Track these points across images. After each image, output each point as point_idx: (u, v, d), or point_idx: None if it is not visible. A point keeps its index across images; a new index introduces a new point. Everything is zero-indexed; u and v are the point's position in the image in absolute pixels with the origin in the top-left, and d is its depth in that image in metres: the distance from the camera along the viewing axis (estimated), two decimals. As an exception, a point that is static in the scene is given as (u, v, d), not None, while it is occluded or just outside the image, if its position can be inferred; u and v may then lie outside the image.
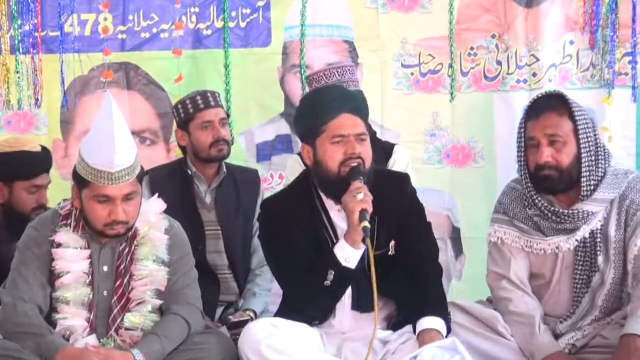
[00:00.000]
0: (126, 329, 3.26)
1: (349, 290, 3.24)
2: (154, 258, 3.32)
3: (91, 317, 3.25)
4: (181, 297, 3.35)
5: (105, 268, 3.30)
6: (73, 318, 3.23)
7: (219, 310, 4.10)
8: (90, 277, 3.27)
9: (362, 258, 3.20)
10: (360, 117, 3.27)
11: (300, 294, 3.26)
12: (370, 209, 3.11)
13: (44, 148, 4.07)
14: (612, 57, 4.83)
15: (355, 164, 3.18)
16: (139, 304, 3.29)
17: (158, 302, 3.31)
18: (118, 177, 3.15)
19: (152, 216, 3.37)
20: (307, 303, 3.23)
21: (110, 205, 3.20)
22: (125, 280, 3.29)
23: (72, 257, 3.25)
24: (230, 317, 3.93)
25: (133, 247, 3.32)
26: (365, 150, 3.23)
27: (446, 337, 3.15)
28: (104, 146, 3.14)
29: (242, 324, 3.72)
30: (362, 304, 3.24)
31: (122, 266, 3.30)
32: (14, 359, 3.08)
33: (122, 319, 3.26)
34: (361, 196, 3.10)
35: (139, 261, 3.30)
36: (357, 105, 3.31)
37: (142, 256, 3.31)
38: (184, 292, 3.36)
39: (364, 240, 3.10)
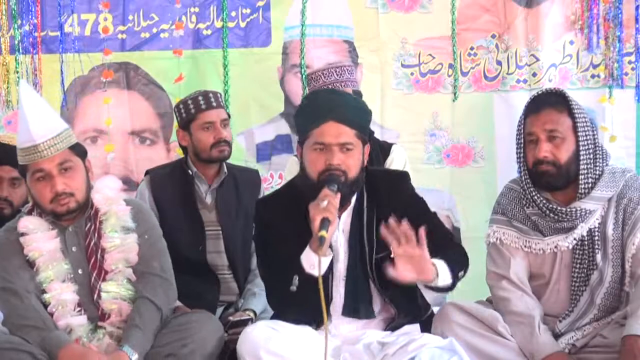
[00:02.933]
0: (103, 292, 3.30)
1: (341, 295, 3.24)
2: (121, 227, 3.37)
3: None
4: (149, 272, 3.37)
5: (74, 249, 3.36)
6: (63, 293, 3.28)
7: (219, 311, 4.09)
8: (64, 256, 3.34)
9: (357, 264, 3.21)
10: (349, 126, 3.16)
11: (273, 296, 3.31)
12: (332, 218, 3.03)
13: None
14: (620, 57, 4.84)
15: (333, 173, 3.12)
16: (114, 273, 3.34)
17: (131, 273, 3.35)
18: (44, 147, 3.24)
19: (109, 192, 3.43)
20: (280, 306, 3.26)
21: (50, 180, 3.27)
22: (99, 256, 3.34)
23: (41, 239, 3.32)
24: (230, 317, 3.93)
25: (98, 223, 3.37)
26: (349, 161, 3.16)
27: (452, 285, 3.15)
28: (21, 123, 3.28)
29: (242, 323, 3.72)
30: (353, 310, 3.24)
31: (92, 243, 3.35)
32: (19, 351, 3.11)
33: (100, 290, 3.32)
34: (324, 204, 3.03)
35: (107, 234, 3.36)
36: (346, 113, 3.19)
37: (110, 229, 3.37)
38: (152, 266, 3.39)
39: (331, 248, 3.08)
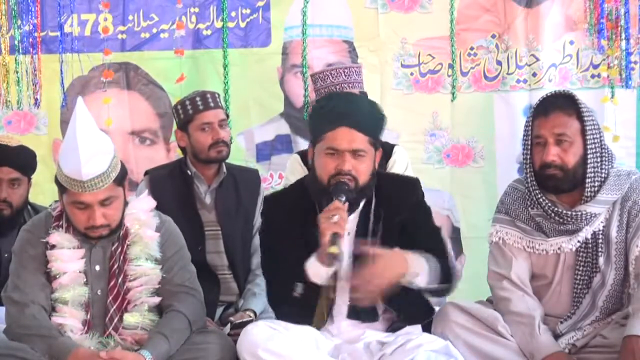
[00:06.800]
0: (124, 327, 3.26)
1: (346, 299, 3.22)
2: (146, 257, 3.32)
3: (88, 317, 3.26)
4: (181, 291, 3.35)
5: (97, 267, 3.31)
6: (70, 319, 3.23)
7: (219, 310, 4.10)
8: (85, 276, 3.29)
9: (361, 267, 3.17)
10: (362, 132, 3.15)
11: (275, 297, 3.31)
12: (342, 233, 3.05)
13: (21, 147, 4.07)
14: (627, 56, 4.83)
15: (342, 180, 3.12)
16: (137, 305, 3.29)
17: (155, 300, 3.31)
18: (90, 185, 3.15)
19: (142, 214, 3.36)
20: (281, 307, 3.25)
21: (88, 210, 3.20)
22: (120, 280, 3.29)
23: (68, 257, 3.26)
24: (232, 318, 3.93)
25: (125, 246, 3.31)
26: (360, 167, 3.16)
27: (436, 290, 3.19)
28: (72, 156, 3.15)
29: (244, 325, 3.72)
30: (359, 314, 3.23)
31: (115, 266, 3.30)
32: (18, 358, 3.08)
33: (120, 319, 3.26)
34: (336, 219, 3.03)
35: (132, 261, 3.30)
36: (360, 120, 3.17)
37: (135, 255, 3.31)
38: (184, 286, 3.36)
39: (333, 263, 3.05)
